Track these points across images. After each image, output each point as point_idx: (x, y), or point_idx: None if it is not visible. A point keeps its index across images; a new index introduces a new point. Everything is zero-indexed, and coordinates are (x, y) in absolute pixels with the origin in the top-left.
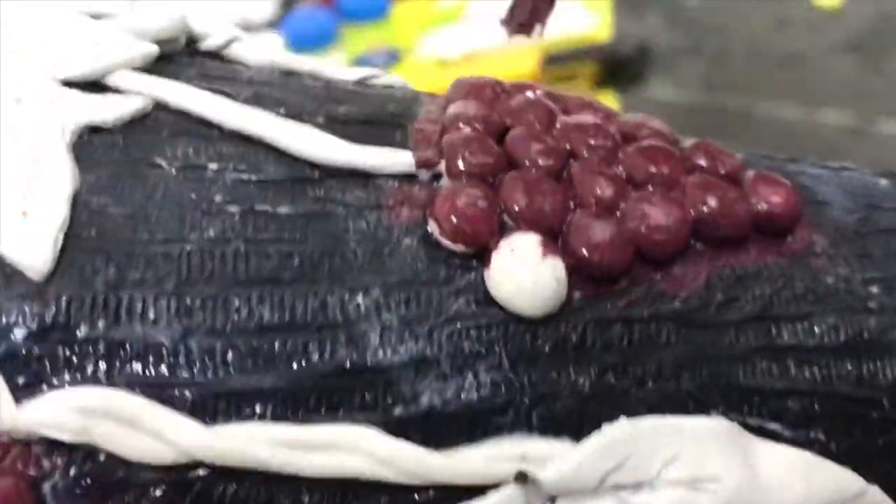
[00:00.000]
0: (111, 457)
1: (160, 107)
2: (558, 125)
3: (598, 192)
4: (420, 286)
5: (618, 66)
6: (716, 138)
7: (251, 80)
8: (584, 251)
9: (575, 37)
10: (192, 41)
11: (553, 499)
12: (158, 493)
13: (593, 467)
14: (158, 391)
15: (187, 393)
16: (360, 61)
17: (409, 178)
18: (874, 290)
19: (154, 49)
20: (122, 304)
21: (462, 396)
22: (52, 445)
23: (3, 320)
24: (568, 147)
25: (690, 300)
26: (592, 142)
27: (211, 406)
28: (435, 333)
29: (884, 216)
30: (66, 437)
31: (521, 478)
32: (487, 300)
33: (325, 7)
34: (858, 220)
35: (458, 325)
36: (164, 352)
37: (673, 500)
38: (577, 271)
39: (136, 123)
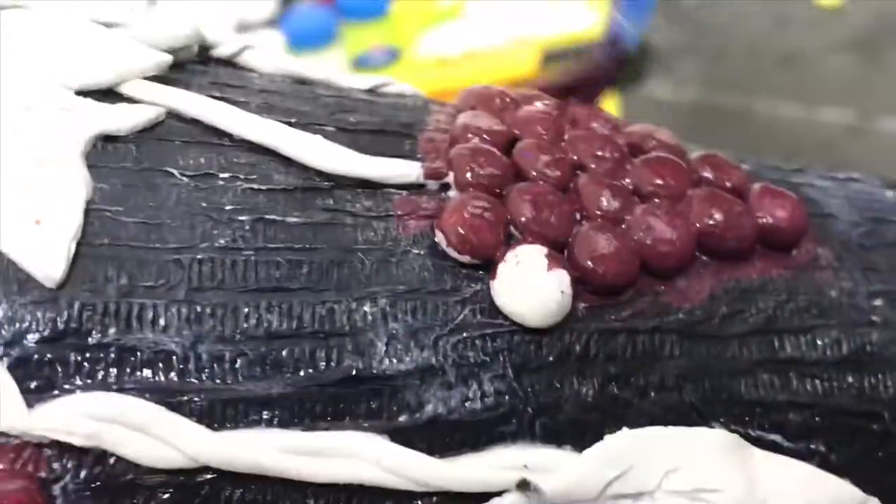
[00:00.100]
0: (121, 460)
1: (172, 116)
2: (566, 136)
3: (605, 204)
4: (427, 296)
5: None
6: (715, 137)
7: (263, 88)
8: (590, 263)
9: (574, 35)
10: (204, 49)
11: None
12: (166, 496)
13: (595, 477)
14: (168, 397)
15: (196, 399)
16: (360, 60)
17: (417, 187)
18: (878, 303)
19: (167, 58)
20: (134, 311)
21: (466, 405)
22: (63, 448)
23: (17, 326)
24: (575, 158)
25: (694, 312)
26: (599, 153)
27: (219, 412)
28: (441, 343)
29: (890, 229)
30: (76, 441)
31: (524, 486)
32: (493, 310)
33: (325, 5)
34: (864, 234)
35: (464, 335)
36: (175, 358)
37: None
38: (583, 282)
39: (149, 132)
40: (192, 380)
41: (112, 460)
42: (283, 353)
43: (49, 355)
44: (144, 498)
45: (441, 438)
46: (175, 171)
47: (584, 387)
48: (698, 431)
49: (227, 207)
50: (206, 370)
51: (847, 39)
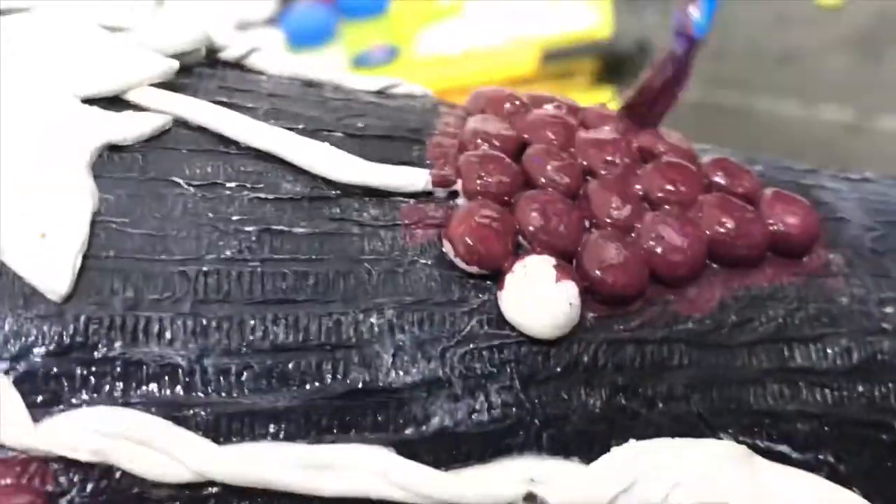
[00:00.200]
0: (127, 474)
1: (179, 123)
2: (576, 141)
3: (614, 212)
4: (434, 307)
5: (617, 63)
6: (716, 135)
7: (271, 92)
8: (599, 273)
9: (574, 34)
10: (212, 51)
11: None
12: None
13: (601, 489)
14: (174, 411)
15: (202, 413)
16: (359, 58)
17: (425, 194)
18: (889, 310)
19: (174, 64)
20: (140, 325)
21: (473, 417)
22: (69, 462)
23: (23, 340)
24: (585, 164)
25: (704, 321)
26: (609, 158)
27: (225, 425)
28: (447, 354)
29: None
30: (82, 457)
31: (530, 499)
32: (500, 321)
33: (325, 4)
34: (876, 238)
35: (471, 346)
36: (180, 372)
37: None
38: (591, 292)
39: (156, 141)
40: (198, 393)
41: (118, 474)
42: (290, 365)
43: (55, 369)
44: None
45: (447, 451)
46: (181, 181)
47: (591, 398)
48: (706, 442)
49: (234, 218)
50: (212, 383)
51: (847, 38)
